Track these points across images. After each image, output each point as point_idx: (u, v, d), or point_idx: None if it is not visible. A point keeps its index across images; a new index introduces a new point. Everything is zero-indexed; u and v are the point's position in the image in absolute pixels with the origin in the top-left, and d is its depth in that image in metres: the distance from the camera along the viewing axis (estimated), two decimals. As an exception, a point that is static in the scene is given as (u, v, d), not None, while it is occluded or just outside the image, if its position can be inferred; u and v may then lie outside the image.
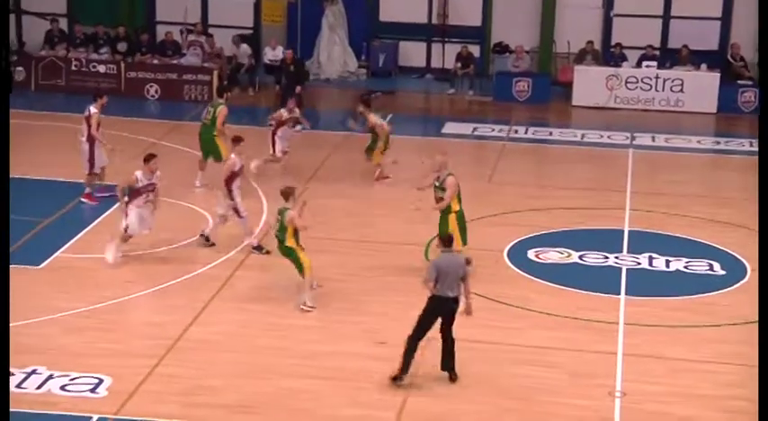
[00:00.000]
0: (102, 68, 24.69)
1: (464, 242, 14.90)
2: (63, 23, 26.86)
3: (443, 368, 12.39)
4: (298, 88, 23.21)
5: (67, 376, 12.16)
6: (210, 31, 26.86)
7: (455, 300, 12.17)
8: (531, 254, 16.13)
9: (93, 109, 17.64)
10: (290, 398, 12.03)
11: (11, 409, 11.41)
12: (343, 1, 27.29)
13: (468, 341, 12.75)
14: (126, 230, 15.18)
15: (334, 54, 27.19)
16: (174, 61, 25.30)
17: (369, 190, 19.23)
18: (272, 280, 14.83)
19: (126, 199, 15.14)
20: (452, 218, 14.89)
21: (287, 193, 14.13)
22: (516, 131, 23.22)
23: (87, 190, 17.69)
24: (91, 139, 17.56)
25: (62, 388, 11.96)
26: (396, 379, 12.19)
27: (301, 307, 13.92)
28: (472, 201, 18.63)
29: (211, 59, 25.32)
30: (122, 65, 24.74)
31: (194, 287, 14.62)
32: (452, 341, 12.31)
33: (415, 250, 16.22)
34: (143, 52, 25.61)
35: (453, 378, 12.41)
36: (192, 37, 25.90)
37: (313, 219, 15.02)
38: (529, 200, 18.64)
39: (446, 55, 27.51)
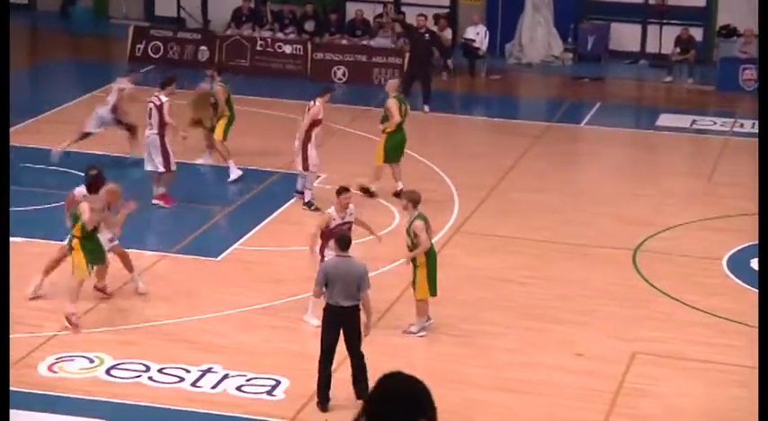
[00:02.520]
0: (287, 49, 25.24)
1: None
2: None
3: (355, 392, 11.76)
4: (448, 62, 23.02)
5: (244, 376, 12.51)
6: (404, 9, 27.02)
7: (352, 310, 11.63)
8: (754, 263, 15.63)
9: (163, 97, 17.00)
10: (478, 410, 12.04)
11: (185, 408, 11.86)
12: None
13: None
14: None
15: (537, 36, 26.95)
16: (364, 42, 25.63)
17: (573, 185, 19.02)
18: (456, 283, 14.84)
19: (318, 245, 13.64)
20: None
21: (417, 200, 13.50)
22: (742, 125, 22.49)
23: (162, 190, 17.03)
24: (162, 132, 16.89)
25: (238, 388, 12.32)
26: (318, 405, 11.88)
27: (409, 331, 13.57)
28: (688, 201, 18.22)
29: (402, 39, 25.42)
30: (309, 45, 25.23)
31: (378, 286, 14.79)
32: (360, 357, 11.74)
33: (622, 254, 15.95)
34: (331, 32, 26.05)
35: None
36: (380, 18, 26.08)
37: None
38: (754, 202, 18.03)
39: (663, 38, 26.89)
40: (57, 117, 21.49)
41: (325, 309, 11.85)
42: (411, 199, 13.40)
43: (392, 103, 17.85)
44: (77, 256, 13.44)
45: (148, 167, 17.11)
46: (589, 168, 20.42)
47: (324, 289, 11.73)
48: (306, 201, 17.28)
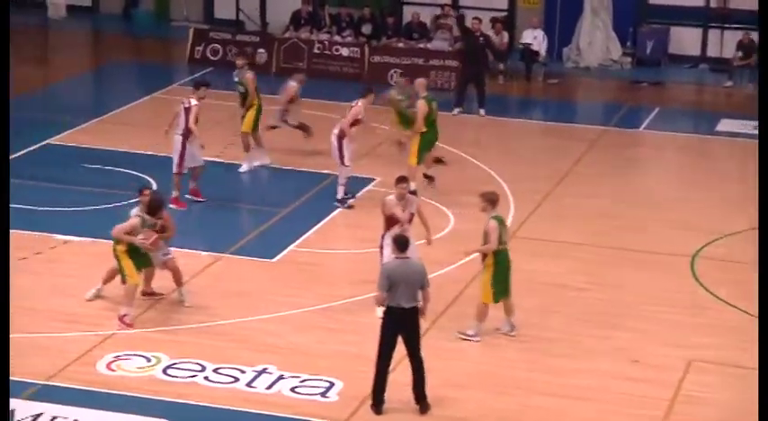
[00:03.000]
0: (345, 52, 25.31)
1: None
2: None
3: (414, 395, 11.80)
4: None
5: (298, 377, 12.56)
6: (462, 12, 26.97)
7: (413, 312, 11.65)
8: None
9: (193, 100, 17.07)
10: (533, 416, 12.00)
11: (240, 409, 11.94)
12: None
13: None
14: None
15: (595, 40, 26.78)
16: (421, 45, 25.64)
17: (630, 190, 18.88)
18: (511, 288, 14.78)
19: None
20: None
21: (494, 200, 13.42)
22: (803, 131, 22.16)
23: (175, 193, 17.02)
24: (186, 134, 16.99)
25: (292, 389, 12.37)
26: (372, 407, 11.86)
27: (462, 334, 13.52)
28: (748, 208, 17.99)
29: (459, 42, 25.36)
30: (366, 48, 25.28)
31: (434, 288, 14.77)
32: (419, 361, 11.74)
33: (680, 261, 15.82)
34: (388, 35, 26.09)
35: (423, 409, 11.84)
36: (440, 20, 26.13)
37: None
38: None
39: (725, 43, 26.63)
40: (119, 118, 21.69)
41: (385, 311, 11.82)
42: (489, 199, 13.31)
43: (421, 105, 17.93)
44: (125, 263, 13.56)
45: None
46: (647, 173, 20.26)
47: (386, 292, 11.69)
48: (338, 197, 17.31)
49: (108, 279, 14.13)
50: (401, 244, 11.97)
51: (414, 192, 16.58)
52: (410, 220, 14.00)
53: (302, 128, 19.76)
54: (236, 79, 19.06)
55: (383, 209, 14.05)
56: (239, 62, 19.23)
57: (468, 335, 13.43)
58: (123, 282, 13.64)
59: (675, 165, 20.68)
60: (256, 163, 19.06)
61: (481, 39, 23.25)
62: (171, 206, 16.53)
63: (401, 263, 11.86)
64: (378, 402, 11.87)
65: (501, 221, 13.30)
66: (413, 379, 11.88)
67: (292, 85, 19.69)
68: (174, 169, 17.08)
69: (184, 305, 14.18)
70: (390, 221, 13.96)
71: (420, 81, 18.68)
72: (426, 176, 18.25)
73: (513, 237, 16.48)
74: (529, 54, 25.53)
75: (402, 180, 14.16)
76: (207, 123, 19.13)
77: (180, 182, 17.14)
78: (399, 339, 11.84)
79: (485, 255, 13.27)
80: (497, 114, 22.81)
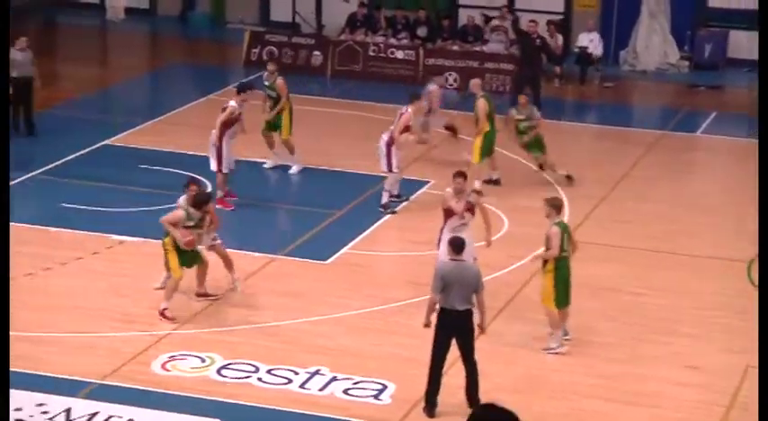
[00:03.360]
0: (400, 54, 25.31)
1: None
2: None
3: (467, 398, 11.78)
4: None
5: (350, 379, 12.56)
6: (518, 15, 26.87)
7: (467, 314, 11.58)
8: None
9: (232, 102, 17.16)
10: (586, 421, 11.92)
11: (293, 409, 11.95)
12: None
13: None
14: None
15: (652, 43, 26.56)
16: (476, 48, 25.57)
17: (687, 194, 18.70)
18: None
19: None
20: None
21: (559, 206, 13.33)
22: None
23: (219, 194, 17.02)
24: (220, 135, 17.02)
25: (345, 391, 12.37)
26: (425, 410, 11.80)
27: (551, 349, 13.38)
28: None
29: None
30: (421, 51, 25.26)
31: (486, 292, 14.71)
32: (473, 364, 11.70)
33: (736, 266, 15.63)
34: (444, 38, 26.04)
35: None
36: (495, 22, 26.05)
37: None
38: None
39: (784, 46, 26.28)
40: (175, 119, 21.85)
41: (439, 314, 11.78)
42: (553, 205, 13.21)
43: (482, 104, 18.12)
44: (170, 257, 13.69)
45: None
46: (703, 177, 20.06)
47: (440, 294, 11.67)
48: (382, 202, 17.28)
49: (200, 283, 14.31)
50: (456, 246, 11.94)
51: (479, 192, 16.59)
52: (469, 212, 14.04)
53: (450, 129, 19.88)
54: (267, 83, 19.08)
55: (442, 202, 14.24)
56: (270, 67, 19.28)
57: (553, 348, 13.25)
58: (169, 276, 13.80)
59: (732, 170, 20.44)
60: (280, 161, 19.12)
61: (538, 41, 23.12)
62: (217, 206, 16.62)
63: (456, 265, 11.83)
64: (431, 405, 11.84)
65: (564, 228, 13.17)
66: (466, 382, 11.84)
67: (434, 88, 19.63)
68: (214, 168, 17.12)
69: (237, 291, 14.23)
70: (447, 214, 14.10)
71: (475, 81, 18.95)
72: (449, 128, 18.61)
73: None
74: (585, 57, 25.37)
75: (459, 174, 14.25)
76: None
77: (224, 181, 17.15)
78: (453, 342, 11.79)
79: (546, 261, 13.16)
80: (553, 117, 22.63)
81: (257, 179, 17.80)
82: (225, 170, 17.11)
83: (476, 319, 11.84)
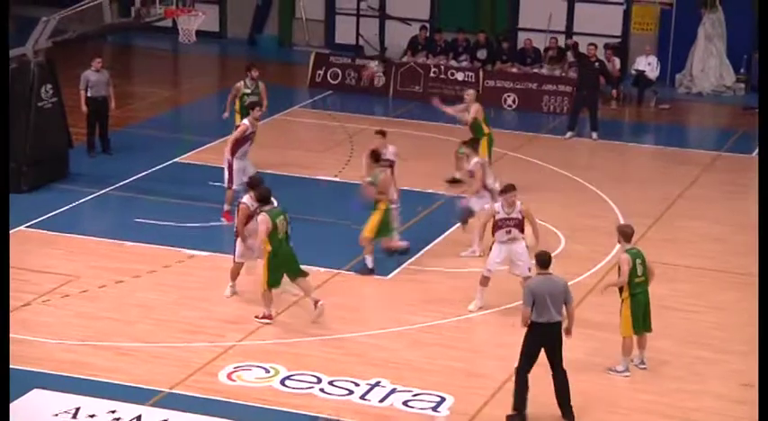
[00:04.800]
0: (460, 76, 25.38)
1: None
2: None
3: (559, 406, 11.82)
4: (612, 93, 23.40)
5: (410, 391, 12.61)
6: (574, 39, 26.83)
7: (560, 326, 11.72)
8: None
9: (245, 121, 17.51)
10: (640, 437, 11.86)
11: (352, 420, 12.03)
12: (725, 7, 26.29)
13: None
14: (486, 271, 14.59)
15: (709, 66, 26.37)
16: (535, 70, 25.57)
17: (741, 215, 18.53)
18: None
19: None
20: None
21: (628, 233, 13.20)
22: None
23: (226, 207, 17.20)
24: (232, 151, 17.24)
25: (404, 403, 12.43)
26: (510, 418, 11.78)
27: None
28: None
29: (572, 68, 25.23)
30: (481, 73, 25.31)
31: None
32: (563, 373, 11.79)
33: (791, 286, 15.45)
34: (503, 60, 26.07)
35: (569, 417, 11.79)
36: (551, 53, 25.81)
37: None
38: None
39: (839, 69, 25.98)
40: (241, 138, 22.05)
41: (531, 328, 11.83)
42: (622, 232, 13.12)
43: (477, 108, 18.54)
44: (264, 265, 13.90)
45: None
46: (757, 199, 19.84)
47: (531, 308, 11.78)
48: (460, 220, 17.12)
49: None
50: (543, 261, 11.98)
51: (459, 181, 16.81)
52: (516, 225, 14.28)
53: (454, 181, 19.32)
54: (249, 91, 19.66)
55: (486, 218, 14.67)
56: (254, 73, 19.88)
57: (618, 371, 13.18)
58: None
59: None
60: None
61: (596, 64, 23.07)
62: (222, 219, 17.09)
63: (544, 278, 11.91)
64: (519, 417, 11.84)
65: (636, 255, 13.03)
66: (557, 390, 11.88)
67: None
68: (226, 184, 17.35)
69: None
70: (496, 227, 14.36)
71: (470, 93, 19.09)
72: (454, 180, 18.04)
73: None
74: (642, 80, 25.26)
75: (509, 188, 14.39)
76: (327, 142, 19.35)
77: (232, 197, 17.13)
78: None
79: (622, 289, 13.10)
80: (610, 138, 22.62)
81: (317, 196, 17.92)
82: (235, 186, 17.25)
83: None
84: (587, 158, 21.94)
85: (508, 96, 24.94)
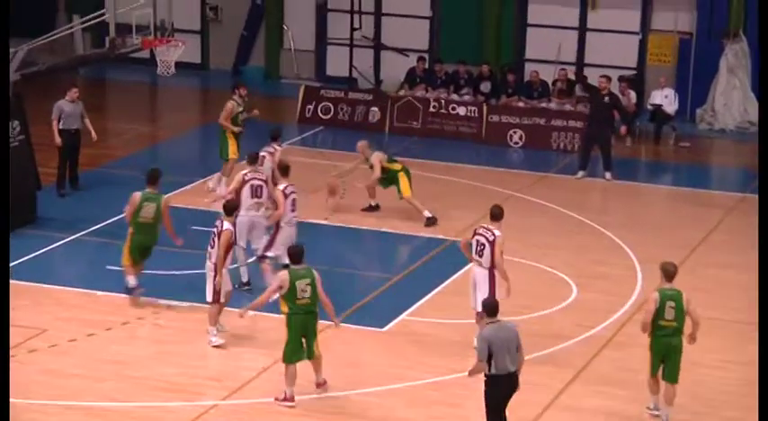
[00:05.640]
0: (461, 111, 25.44)
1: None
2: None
3: None
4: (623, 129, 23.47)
5: (409, 455, 12.52)
6: (586, 71, 26.96)
7: (516, 374, 11.92)
8: None
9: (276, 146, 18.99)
10: None
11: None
12: (749, 37, 26.37)
13: None
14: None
15: (732, 101, 26.43)
16: (543, 104, 25.63)
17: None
18: (639, 365, 14.53)
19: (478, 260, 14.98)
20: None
21: (670, 272, 13.35)
22: None
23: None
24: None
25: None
26: None
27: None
28: None
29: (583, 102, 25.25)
30: (484, 107, 25.37)
31: (554, 363, 14.64)
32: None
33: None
34: (509, 93, 26.14)
35: None
36: (559, 84, 25.88)
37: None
38: None
39: None
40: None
41: (488, 380, 11.93)
42: (663, 269, 13.29)
43: (377, 157, 19.67)
44: (287, 331, 13.59)
45: None
46: (787, 243, 19.83)
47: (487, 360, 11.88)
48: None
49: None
50: (491, 308, 12.13)
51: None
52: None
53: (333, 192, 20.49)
54: (240, 109, 20.88)
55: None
56: (242, 92, 21.09)
57: (650, 409, 13.38)
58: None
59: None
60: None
61: (606, 99, 22.97)
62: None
63: (497, 327, 11.96)
64: None
65: (669, 296, 13.01)
66: None
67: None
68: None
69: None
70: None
71: (361, 143, 20.12)
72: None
73: (640, 310, 16.21)
74: (659, 115, 25.31)
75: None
76: (317, 183, 19.29)
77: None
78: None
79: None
80: (625, 178, 22.62)
81: (315, 240, 17.80)
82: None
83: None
84: (600, 200, 21.94)
85: (514, 133, 24.97)
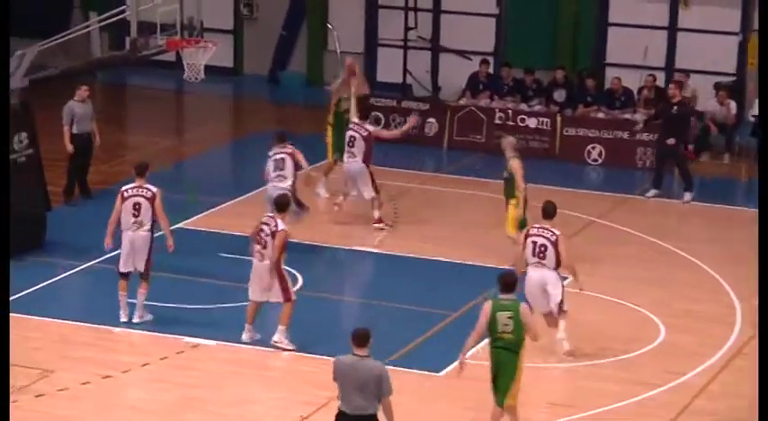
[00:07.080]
0: (532, 122, 25.38)
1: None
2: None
3: None
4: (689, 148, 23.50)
5: None
6: (679, 77, 26.76)
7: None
8: None
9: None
10: None
11: None
12: None
13: None
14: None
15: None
16: (626, 116, 25.51)
17: None
18: (742, 416, 14.42)
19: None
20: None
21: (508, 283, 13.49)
22: None
23: (377, 214, 19.50)
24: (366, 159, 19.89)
25: None
26: None
27: None
28: None
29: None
30: (558, 119, 25.31)
31: (641, 413, 14.55)
32: None
33: None
34: (587, 103, 26.05)
35: None
36: (645, 93, 25.70)
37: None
38: None
39: None
40: (260, 199, 22.09)
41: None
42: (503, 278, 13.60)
43: (517, 164, 18.97)
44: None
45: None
46: None
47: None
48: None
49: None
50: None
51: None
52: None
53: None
54: (346, 95, 21.67)
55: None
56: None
57: None
58: None
59: None
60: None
61: (674, 108, 22.72)
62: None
63: (354, 360, 11.95)
64: None
65: (500, 307, 13.37)
66: None
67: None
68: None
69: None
70: None
71: (509, 140, 19.42)
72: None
73: (740, 354, 16.12)
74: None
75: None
76: (365, 205, 19.27)
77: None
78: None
79: None
80: (719, 201, 22.45)
81: (362, 271, 17.91)
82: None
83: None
84: (682, 225, 21.73)
85: (593, 148, 24.90)
